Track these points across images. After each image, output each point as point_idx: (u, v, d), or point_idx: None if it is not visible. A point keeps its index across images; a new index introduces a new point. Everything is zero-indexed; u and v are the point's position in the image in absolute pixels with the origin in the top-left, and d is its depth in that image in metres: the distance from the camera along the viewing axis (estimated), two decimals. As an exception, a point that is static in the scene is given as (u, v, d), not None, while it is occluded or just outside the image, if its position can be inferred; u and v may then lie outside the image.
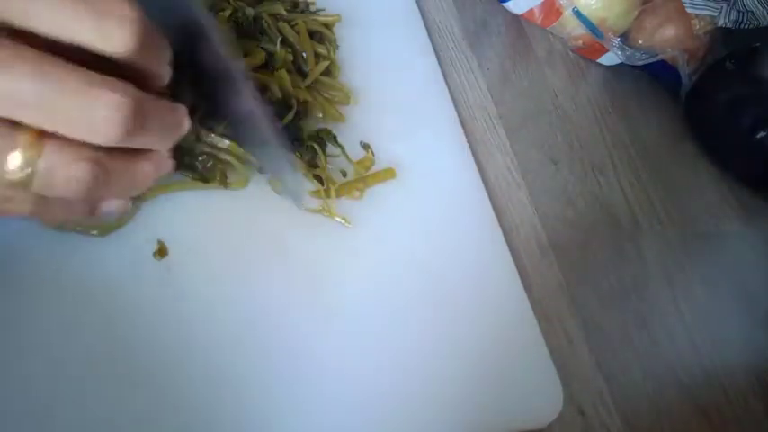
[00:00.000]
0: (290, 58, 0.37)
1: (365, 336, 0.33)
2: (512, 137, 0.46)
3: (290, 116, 0.36)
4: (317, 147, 0.36)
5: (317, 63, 0.39)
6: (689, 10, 0.52)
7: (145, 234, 0.31)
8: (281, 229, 0.34)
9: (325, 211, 0.35)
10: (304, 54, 0.38)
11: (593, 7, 0.51)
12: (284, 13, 0.38)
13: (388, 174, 0.38)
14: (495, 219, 0.40)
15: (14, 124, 0.20)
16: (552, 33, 0.55)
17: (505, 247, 0.39)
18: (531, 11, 0.53)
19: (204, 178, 0.33)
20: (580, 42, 0.54)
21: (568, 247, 0.43)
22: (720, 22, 0.52)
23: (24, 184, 0.21)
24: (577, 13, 0.52)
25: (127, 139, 0.22)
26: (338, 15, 0.42)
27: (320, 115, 0.38)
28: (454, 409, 0.32)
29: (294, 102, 0.36)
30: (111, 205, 0.25)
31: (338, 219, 0.35)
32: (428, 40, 0.47)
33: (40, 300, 0.28)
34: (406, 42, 0.46)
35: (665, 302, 0.43)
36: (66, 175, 0.21)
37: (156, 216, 0.31)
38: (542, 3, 0.52)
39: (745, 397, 0.40)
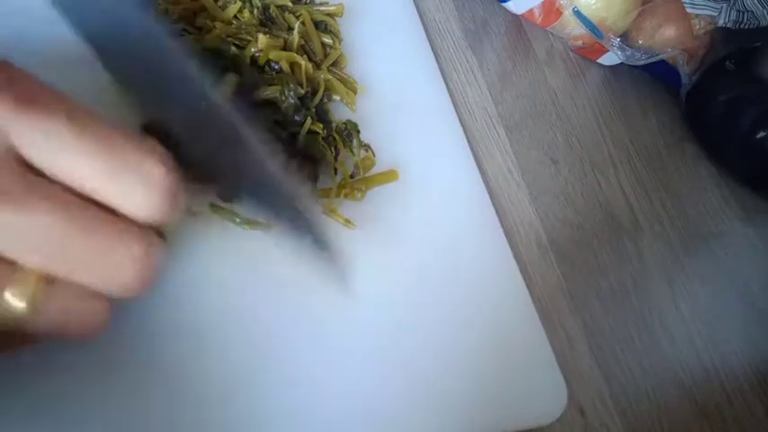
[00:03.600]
0: (302, 43, 0.38)
1: (368, 336, 0.33)
2: (512, 137, 0.46)
3: (320, 96, 0.37)
4: (338, 138, 0.36)
5: (324, 52, 0.39)
6: (689, 10, 0.52)
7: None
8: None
9: (330, 212, 0.35)
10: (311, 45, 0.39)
11: (593, 7, 0.51)
12: (290, 4, 0.39)
13: (391, 175, 0.38)
14: (496, 218, 0.40)
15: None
16: (552, 33, 0.55)
17: (507, 247, 0.39)
18: (531, 11, 0.53)
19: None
20: (580, 42, 0.54)
21: (568, 247, 0.43)
22: (720, 22, 0.52)
23: (24, 318, 0.19)
24: (577, 13, 0.52)
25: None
26: (341, 4, 0.42)
27: (338, 98, 0.39)
28: (459, 407, 0.32)
29: (319, 82, 0.37)
30: None
31: (340, 220, 0.35)
32: (427, 40, 0.47)
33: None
34: (405, 43, 0.46)
35: (665, 302, 0.43)
36: (80, 316, 0.19)
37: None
38: (542, 3, 0.52)
39: (745, 397, 0.40)
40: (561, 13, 0.53)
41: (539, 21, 0.54)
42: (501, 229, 0.40)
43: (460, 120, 0.44)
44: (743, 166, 0.52)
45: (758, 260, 0.48)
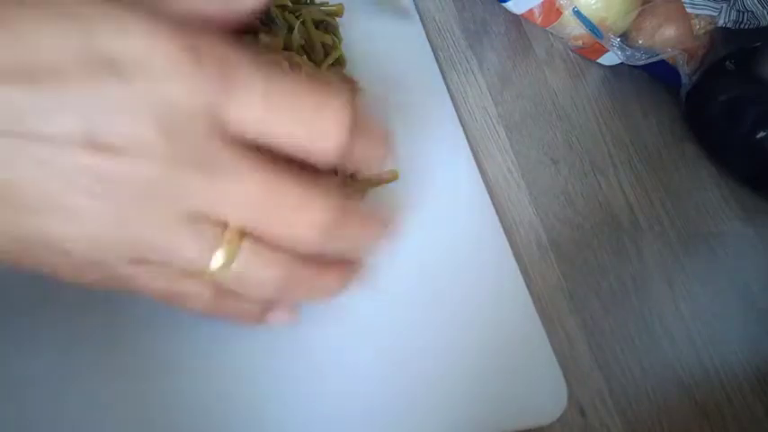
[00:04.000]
0: (302, 42, 0.38)
1: (367, 336, 0.33)
2: (512, 137, 0.46)
3: None
4: None
5: (324, 52, 0.39)
6: (689, 10, 0.52)
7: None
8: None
9: None
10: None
11: (593, 7, 0.51)
12: (290, 4, 0.39)
13: (392, 176, 0.38)
14: (496, 218, 0.40)
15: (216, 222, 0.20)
16: (552, 33, 0.55)
17: (507, 247, 0.39)
18: (531, 11, 0.53)
19: None
20: (580, 42, 0.54)
21: (568, 247, 0.43)
22: (720, 22, 0.52)
23: (221, 280, 0.21)
24: (577, 13, 0.52)
25: (322, 249, 0.21)
26: (341, 4, 0.42)
27: None
28: (459, 407, 0.32)
29: None
30: (282, 317, 0.25)
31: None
32: (427, 40, 0.47)
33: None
34: (404, 43, 0.46)
35: (665, 302, 0.43)
36: (259, 275, 0.21)
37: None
38: (542, 3, 0.52)
39: (745, 397, 0.40)
40: (561, 13, 0.53)
41: (539, 21, 0.54)
42: (501, 229, 0.40)
43: (460, 120, 0.44)
44: (743, 166, 0.52)
45: (758, 260, 0.48)
